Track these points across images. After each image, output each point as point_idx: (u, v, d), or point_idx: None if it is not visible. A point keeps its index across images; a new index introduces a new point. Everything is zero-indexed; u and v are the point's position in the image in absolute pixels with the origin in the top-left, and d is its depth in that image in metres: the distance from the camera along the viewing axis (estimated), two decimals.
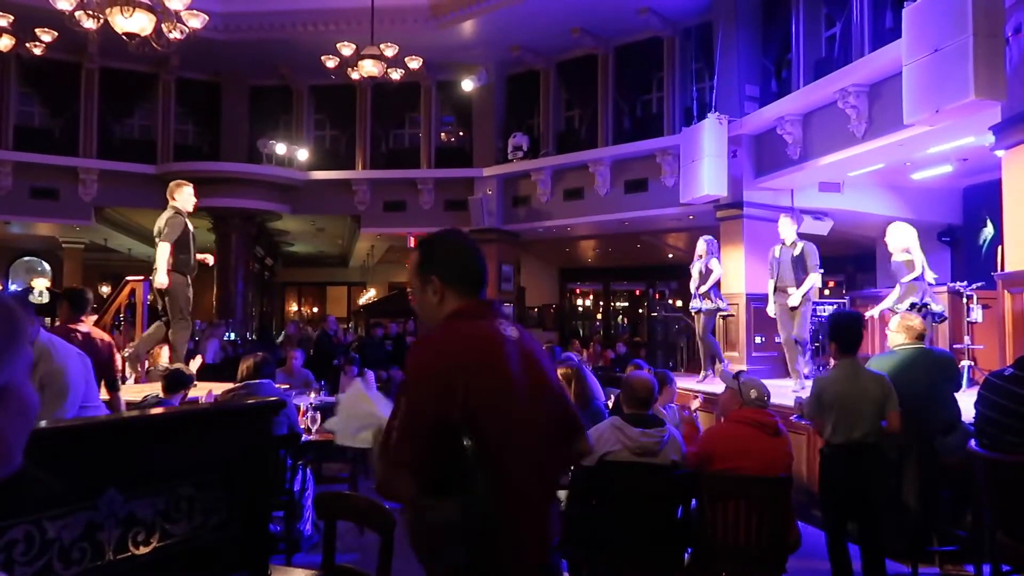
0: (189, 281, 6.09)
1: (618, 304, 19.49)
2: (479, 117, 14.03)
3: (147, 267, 6.09)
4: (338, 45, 8.89)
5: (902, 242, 6.44)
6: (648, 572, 3.54)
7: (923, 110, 5.86)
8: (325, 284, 23.65)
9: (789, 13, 9.59)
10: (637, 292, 18.85)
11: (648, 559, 3.50)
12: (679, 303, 14.57)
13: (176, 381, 4.85)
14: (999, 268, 6.39)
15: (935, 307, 6.36)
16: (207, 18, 7.13)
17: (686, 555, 3.65)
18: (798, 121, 8.91)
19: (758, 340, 9.53)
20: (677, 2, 11.02)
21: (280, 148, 14.03)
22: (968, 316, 7.17)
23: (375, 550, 2.45)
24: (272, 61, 13.79)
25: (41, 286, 15.34)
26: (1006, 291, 5.77)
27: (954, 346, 7.08)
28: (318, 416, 5.36)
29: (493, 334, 1.80)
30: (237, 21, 12.35)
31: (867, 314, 6.69)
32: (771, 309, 7.45)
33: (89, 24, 6.62)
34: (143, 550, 1.74)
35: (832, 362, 4.66)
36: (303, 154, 14.33)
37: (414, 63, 9.23)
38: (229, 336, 12.97)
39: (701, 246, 8.26)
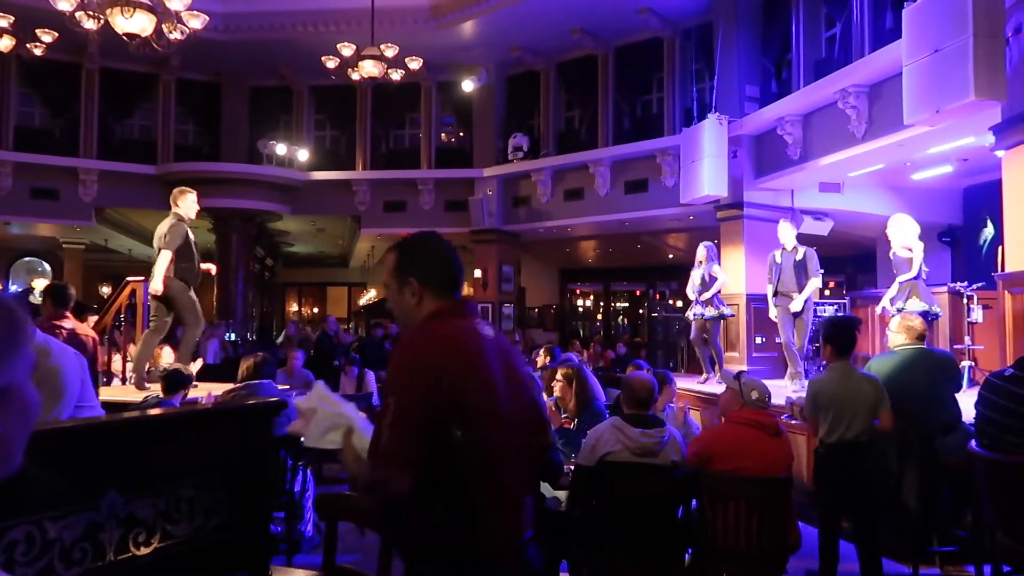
0: (190, 287, 6.09)
1: (618, 304, 19.49)
2: (479, 117, 14.04)
3: (148, 268, 6.09)
4: (338, 45, 8.89)
5: (904, 239, 6.44)
6: (648, 572, 3.54)
7: (923, 110, 5.86)
8: (325, 284, 23.65)
9: (789, 13, 9.59)
10: (637, 292, 18.85)
11: (648, 559, 3.50)
12: (679, 303, 14.56)
13: (175, 381, 4.85)
14: (999, 268, 6.39)
15: (932, 308, 6.34)
16: (207, 18, 7.13)
17: (687, 556, 3.65)
18: (798, 121, 8.91)
19: (758, 341, 9.53)
20: (677, 2, 11.02)
21: (280, 148, 14.04)
22: (968, 316, 7.17)
23: (375, 551, 2.46)
24: (272, 61, 13.79)
25: (41, 287, 15.31)
26: (1006, 291, 5.77)
27: (954, 346, 7.08)
28: None
29: (473, 333, 1.86)
30: (237, 21, 12.35)
31: (877, 309, 6.71)
32: (773, 313, 7.46)
33: (89, 25, 6.62)
34: (144, 551, 1.75)
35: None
36: (303, 154, 14.33)
37: (414, 64, 9.24)
38: (229, 337, 12.98)
39: (701, 252, 8.25)
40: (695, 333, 8.35)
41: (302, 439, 2.03)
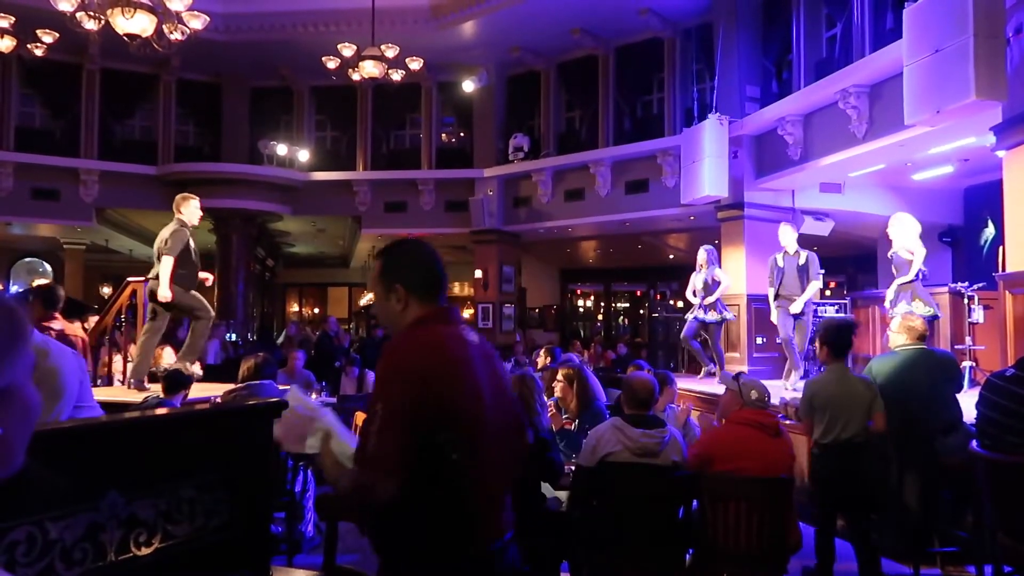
0: (188, 291, 6.09)
1: (619, 305, 19.49)
2: (480, 118, 14.04)
3: (148, 268, 6.09)
4: (339, 46, 8.90)
5: (905, 240, 6.42)
6: (649, 573, 3.54)
7: (924, 111, 5.86)
8: (326, 285, 23.65)
9: (790, 14, 9.60)
10: (638, 293, 18.85)
11: (649, 560, 3.50)
12: (680, 304, 14.56)
13: (176, 382, 4.85)
14: (1000, 269, 6.38)
15: (929, 311, 6.31)
16: (208, 19, 7.13)
17: (687, 556, 3.65)
18: (799, 122, 8.91)
19: (759, 341, 9.53)
20: (677, 3, 11.02)
21: (281, 149, 14.04)
22: (969, 317, 7.16)
23: None
24: (273, 62, 13.80)
25: None
26: (1007, 292, 5.77)
27: (955, 347, 7.07)
28: None
29: (458, 339, 1.89)
30: (238, 22, 12.36)
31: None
32: (775, 317, 7.47)
33: (90, 25, 6.62)
34: (145, 551, 1.75)
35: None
36: (304, 155, 14.34)
37: (415, 64, 9.24)
38: (230, 337, 12.98)
39: (702, 256, 8.26)
40: (689, 331, 8.35)
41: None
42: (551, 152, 13.10)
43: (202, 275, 6.35)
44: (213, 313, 6.33)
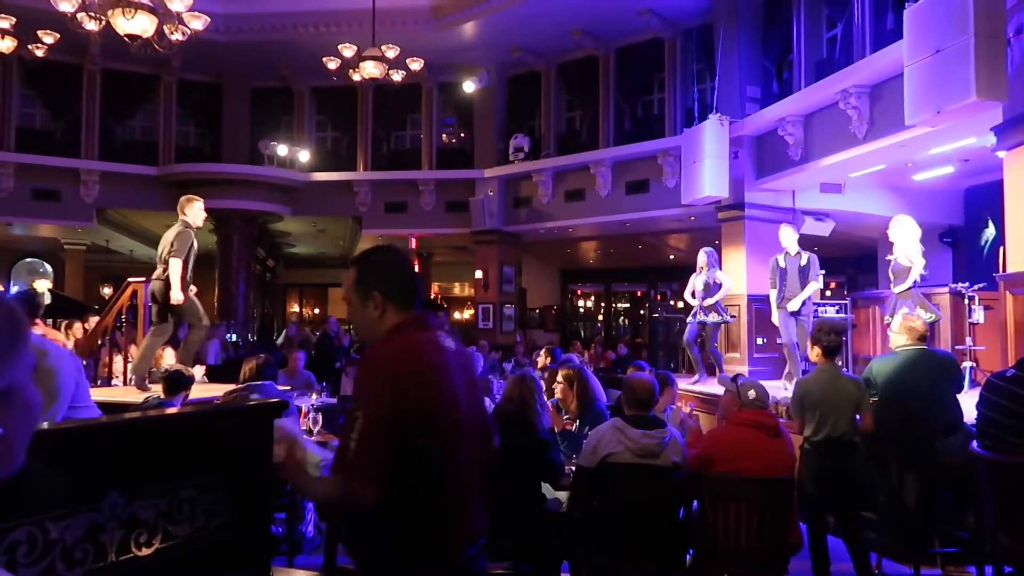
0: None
1: (619, 305, 19.48)
2: (480, 118, 14.04)
3: (149, 269, 6.09)
4: (339, 46, 8.90)
5: (906, 246, 6.39)
6: (649, 573, 3.54)
7: (924, 111, 5.86)
8: (327, 285, 23.64)
9: (790, 14, 9.60)
10: (638, 293, 18.84)
11: (649, 560, 3.50)
12: (680, 304, 14.56)
13: (176, 383, 4.84)
14: (1001, 269, 6.38)
15: (931, 316, 6.28)
16: (208, 20, 7.12)
17: (688, 556, 3.65)
18: (799, 122, 8.91)
19: (760, 342, 9.53)
20: (678, 3, 11.02)
21: (281, 149, 14.04)
22: (970, 317, 7.15)
23: None
24: (273, 63, 13.80)
25: (43, 288, 15.33)
26: (1008, 292, 5.76)
27: (956, 347, 7.07)
28: (320, 418, 5.36)
29: (435, 346, 1.91)
30: (239, 23, 12.37)
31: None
32: (776, 318, 7.47)
33: (91, 26, 6.62)
34: (145, 551, 1.75)
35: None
36: (304, 155, 14.34)
37: (415, 64, 9.24)
38: (231, 337, 12.98)
39: (702, 258, 8.26)
40: (690, 335, 8.36)
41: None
42: (551, 152, 13.10)
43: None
44: (208, 322, 6.31)
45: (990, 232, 9.56)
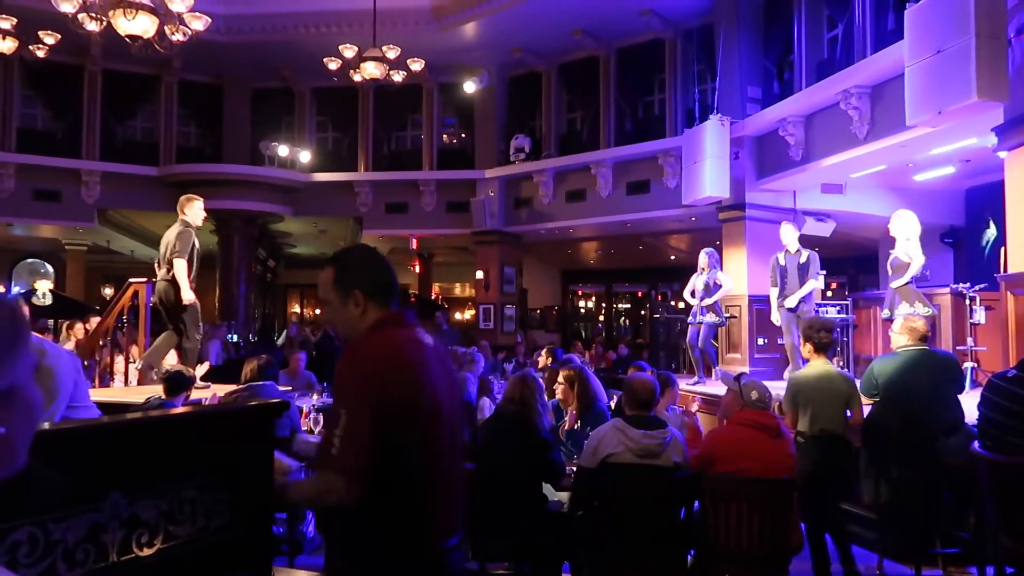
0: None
1: (620, 306, 19.48)
2: (481, 119, 14.05)
3: (150, 269, 6.10)
4: (340, 47, 8.90)
5: (906, 239, 6.38)
6: (650, 574, 3.54)
7: (925, 111, 5.86)
8: None
9: (791, 15, 9.59)
10: (639, 294, 18.84)
11: (650, 560, 3.50)
12: (681, 305, 14.56)
13: (177, 383, 4.84)
14: (1002, 269, 6.37)
15: (928, 310, 6.27)
16: (209, 20, 7.13)
17: (688, 557, 3.65)
18: (800, 123, 8.90)
19: (760, 342, 9.52)
20: (678, 4, 11.02)
21: (282, 150, 14.05)
22: (971, 318, 7.14)
23: None
24: (274, 63, 13.81)
25: (44, 288, 15.34)
26: (1009, 292, 5.76)
27: (957, 348, 7.06)
28: (321, 418, 5.37)
29: (415, 342, 1.94)
30: (239, 23, 12.37)
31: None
32: (776, 317, 7.46)
33: (92, 26, 6.63)
34: (147, 552, 1.75)
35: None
36: (305, 156, 14.35)
37: (416, 65, 9.24)
38: (231, 338, 12.99)
39: (703, 259, 8.26)
40: (693, 337, 8.36)
41: None
42: (552, 153, 13.10)
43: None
44: (199, 335, 6.27)
45: (991, 233, 9.55)
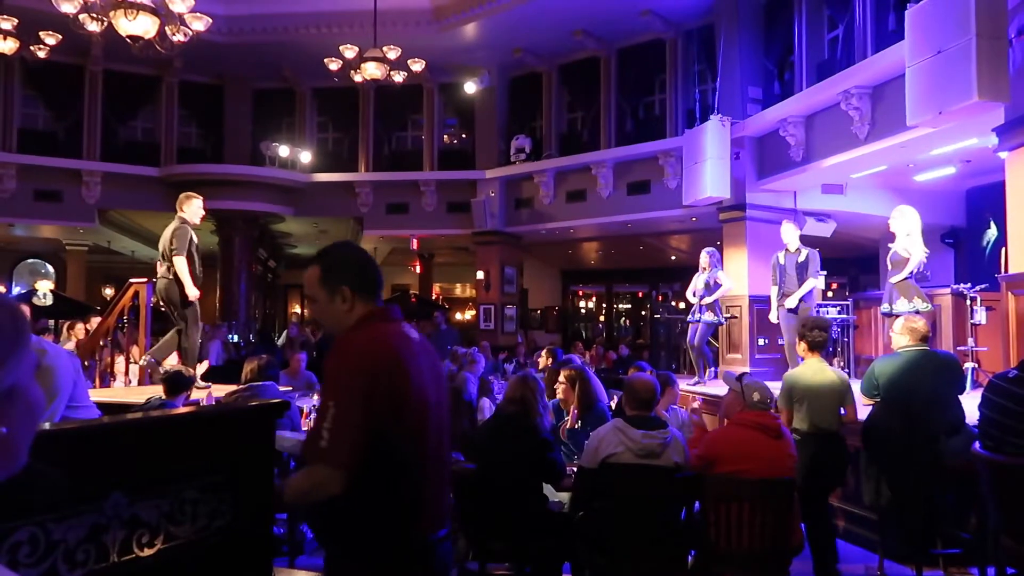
0: None
1: (621, 306, 19.47)
2: (482, 119, 14.05)
3: (151, 269, 6.11)
4: (341, 48, 8.90)
5: (906, 234, 6.35)
6: (651, 574, 3.54)
7: (926, 112, 5.86)
8: None
9: (791, 15, 9.59)
10: (640, 294, 18.83)
11: (651, 561, 3.49)
12: (682, 305, 14.56)
13: (177, 383, 4.84)
14: (1003, 270, 6.37)
15: (926, 306, 6.25)
16: (210, 21, 7.14)
17: (689, 557, 3.65)
18: (801, 123, 8.90)
19: (761, 342, 9.52)
20: (679, 4, 11.02)
21: (283, 150, 14.05)
22: (972, 318, 7.13)
23: None
24: (275, 64, 13.82)
25: (45, 288, 15.35)
26: (1009, 293, 5.75)
27: (958, 348, 7.05)
28: None
29: (402, 336, 1.98)
30: (240, 24, 12.37)
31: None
32: (774, 316, 7.45)
33: (93, 27, 6.63)
34: (147, 552, 1.75)
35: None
36: (306, 156, 14.35)
37: (417, 65, 9.25)
38: (232, 338, 12.99)
39: (704, 258, 8.27)
40: (692, 336, 8.37)
41: None
42: (553, 153, 13.10)
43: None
44: (198, 337, 6.30)
45: (992, 233, 9.55)
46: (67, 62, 12.95)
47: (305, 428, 5.15)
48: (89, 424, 2.23)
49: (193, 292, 5.90)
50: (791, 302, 7.11)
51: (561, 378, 4.82)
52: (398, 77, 9.10)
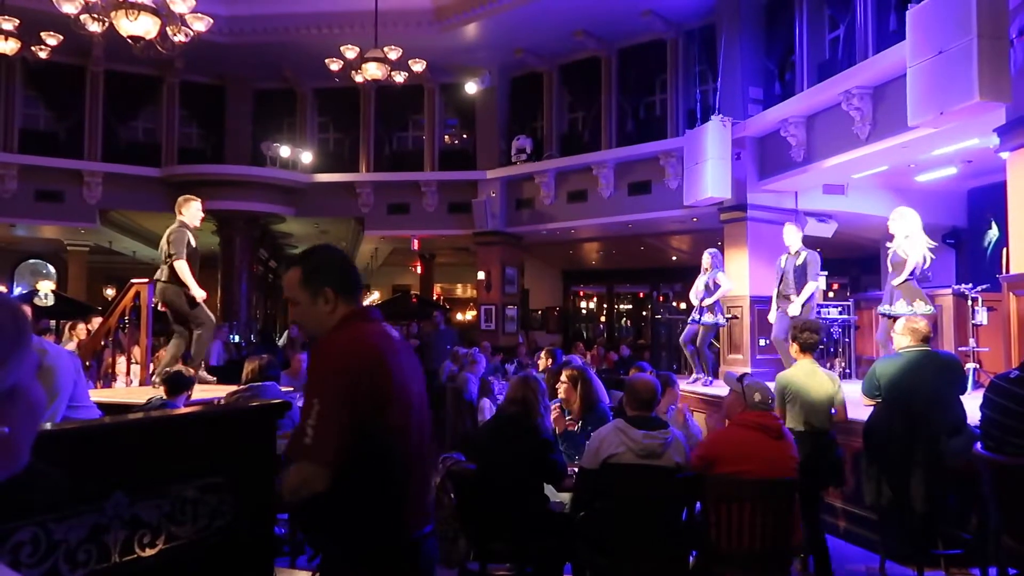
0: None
1: (622, 306, 19.46)
2: (483, 119, 14.05)
3: (152, 270, 6.12)
4: (342, 48, 8.90)
5: (904, 236, 6.33)
6: (652, 574, 3.54)
7: (927, 112, 5.85)
8: None
9: (792, 15, 9.59)
10: (641, 294, 18.83)
11: (652, 561, 3.49)
12: (683, 305, 14.55)
13: (177, 384, 4.84)
14: (1004, 270, 6.36)
15: (928, 309, 6.23)
16: (211, 21, 7.14)
17: (690, 558, 3.64)
18: (802, 123, 8.90)
19: (762, 343, 9.49)
20: (680, 4, 11.02)
21: (284, 151, 14.06)
22: (973, 318, 7.13)
23: None
24: (276, 64, 13.82)
25: (46, 289, 15.37)
26: (1011, 293, 5.75)
27: (959, 349, 7.05)
28: None
29: (383, 335, 2.01)
30: (241, 24, 12.38)
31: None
32: (772, 316, 7.45)
33: (94, 27, 6.64)
34: (148, 552, 1.75)
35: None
36: (307, 157, 14.35)
37: (418, 66, 9.24)
38: (233, 338, 12.99)
39: (706, 259, 8.27)
40: (686, 335, 8.37)
41: None
42: (554, 154, 13.10)
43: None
44: (214, 320, 6.35)
45: (993, 233, 9.54)
46: (68, 62, 12.96)
47: None
48: (90, 424, 2.23)
49: (200, 293, 5.94)
50: (793, 309, 7.03)
51: (563, 377, 4.82)
52: (399, 77, 9.10)
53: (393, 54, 8.83)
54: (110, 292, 18.82)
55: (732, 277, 8.84)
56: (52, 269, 19.05)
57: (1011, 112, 5.78)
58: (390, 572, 1.90)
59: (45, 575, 1.52)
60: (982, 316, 7.09)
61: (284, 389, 5.58)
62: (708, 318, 8.13)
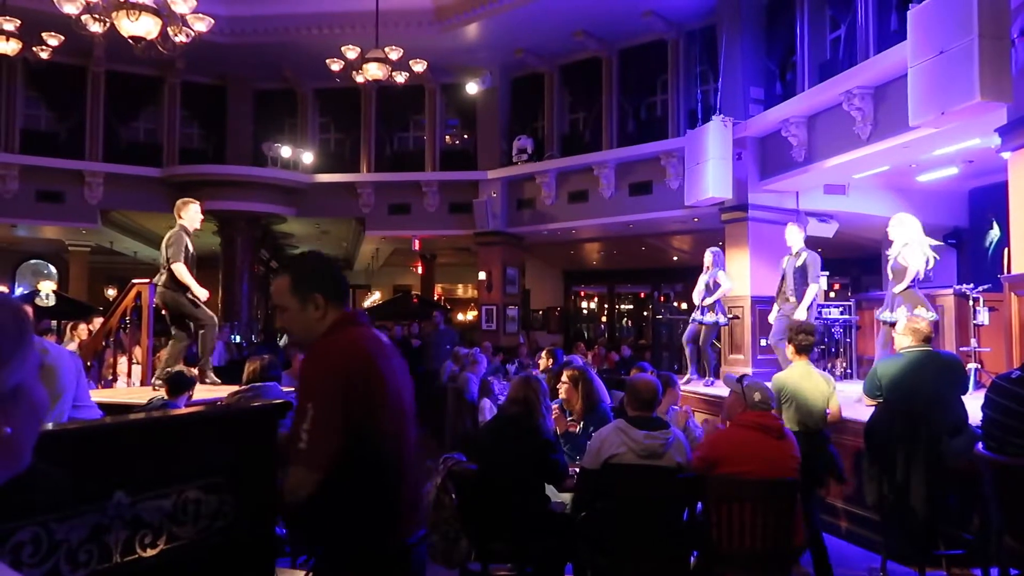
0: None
1: (623, 307, 19.46)
2: (483, 120, 14.06)
3: (153, 270, 6.12)
4: (343, 48, 8.91)
5: (904, 243, 6.31)
6: (653, 575, 3.53)
7: (929, 112, 5.85)
8: None
9: (793, 15, 9.59)
10: (642, 295, 18.82)
11: (653, 562, 3.49)
12: (684, 305, 14.54)
13: (178, 383, 4.84)
14: (1005, 270, 6.36)
15: (931, 315, 6.21)
16: (212, 22, 7.14)
17: (691, 558, 3.64)
18: (803, 123, 8.89)
19: (763, 343, 9.49)
20: (681, 5, 11.02)
21: (285, 151, 14.07)
22: (974, 319, 7.12)
23: None
24: (277, 64, 13.83)
25: (47, 289, 15.39)
26: (1012, 293, 5.74)
27: (960, 349, 7.05)
28: None
29: (373, 339, 2.03)
30: (242, 25, 12.39)
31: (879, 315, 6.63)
32: (772, 317, 7.44)
33: (95, 28, 6.64)
34: (150, 552, 1.75)
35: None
36: (308, 157, 14.37)
37: (418, 66, 9.25)
38: (234, 338, 12.99)
39: (708, 258, 8.27)
40: (689, 335, 8.37)
41: None
42: (555, 154, 13.11)
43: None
44: (216, 319, 6.36)
45: (994, 233, 9.53)
46: (69, 63, 12.98)
47: None
48: (91, 424, 2.23)
49: (202, 293, 5.96)
50: (799, 313, 6.98)
51: (564, 377, 4.82)
52: (400, 78, 9.10)
53: (394, 54, 8.83)
54: (111, 292, 18.84)
55: (733, 277, 8.84)
56: (53, 269, 19.07)
57: (1012, 112, 5.78)
58: None
59: (46, 575, 1.52)
60: (983, 316, 7.08)
61: (286, 389, 5.56)
62: (710, 317, 8.13)
